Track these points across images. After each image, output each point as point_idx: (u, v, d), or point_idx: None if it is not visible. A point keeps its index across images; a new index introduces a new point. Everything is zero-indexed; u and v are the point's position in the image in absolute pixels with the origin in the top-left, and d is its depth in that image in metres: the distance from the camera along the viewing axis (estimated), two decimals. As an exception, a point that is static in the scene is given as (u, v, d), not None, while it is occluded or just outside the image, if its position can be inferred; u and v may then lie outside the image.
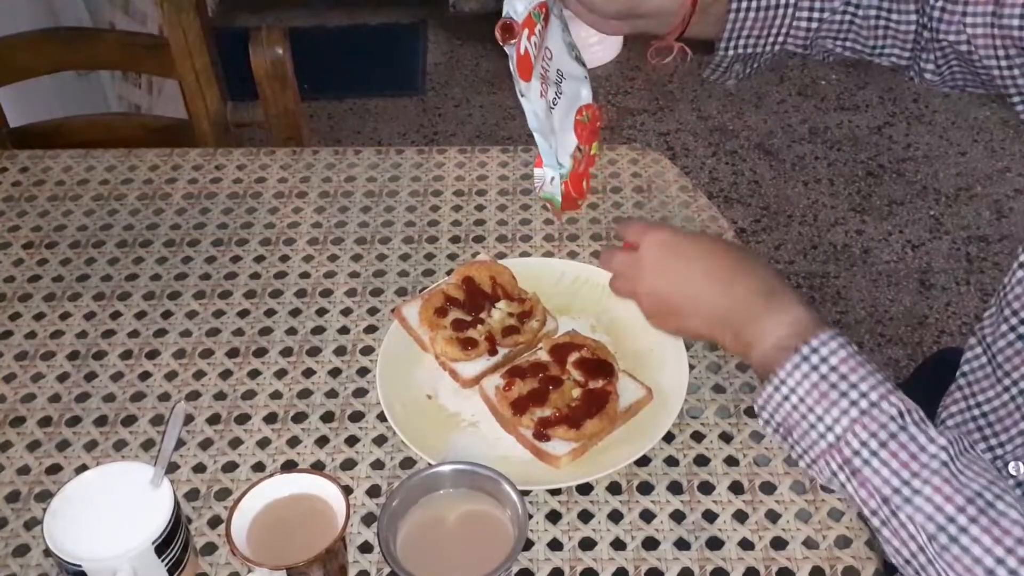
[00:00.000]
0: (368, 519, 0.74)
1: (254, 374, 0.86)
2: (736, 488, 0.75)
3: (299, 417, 0.82)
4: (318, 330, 0.90)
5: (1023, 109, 0.74)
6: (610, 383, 0.80)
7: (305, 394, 0.84)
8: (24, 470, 0.79)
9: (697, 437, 0.80)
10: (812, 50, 0.81)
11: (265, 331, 0.90)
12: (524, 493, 0.73)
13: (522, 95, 0.76)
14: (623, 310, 0.89)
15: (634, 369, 0.83)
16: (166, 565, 0.65)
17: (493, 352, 0.84)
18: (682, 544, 0.72)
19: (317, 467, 0.78)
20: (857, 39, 0.79)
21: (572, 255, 0.96)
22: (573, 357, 0.82)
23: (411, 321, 0.86)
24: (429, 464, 0.75)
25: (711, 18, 0.78)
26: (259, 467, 0.78)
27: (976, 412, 0.75)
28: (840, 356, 0.60)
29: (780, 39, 0.80)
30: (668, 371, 0.83)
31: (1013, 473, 0.72)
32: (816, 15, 0.78)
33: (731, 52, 0.80)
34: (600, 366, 0.81)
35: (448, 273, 0.94)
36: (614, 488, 0.76)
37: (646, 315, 0.73)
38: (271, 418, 0.82)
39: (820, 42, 0.80)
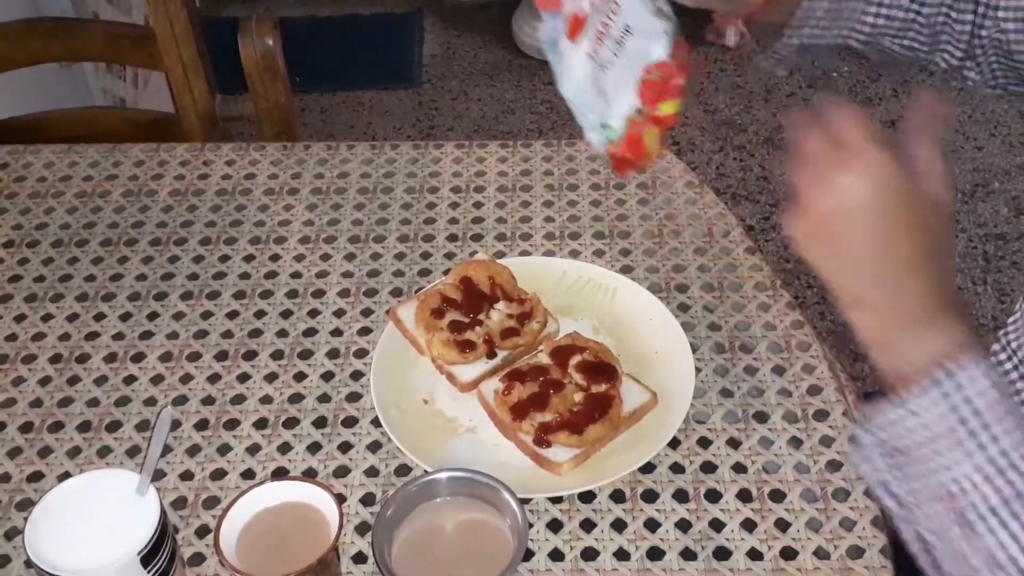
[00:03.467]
0: (362, 528, 0.73)
1: (243, 378, 0.84)
2: (744, 496, 0.73)
3: (290, 422, 0.80)
4: (310, 332, 0.88)
5: None
6: (613, 387, 0.77)
7: (296, 398, 0.82)
8: (4, 478, 0.77)
9: (703, 443, 0.78)
10: (871, 47, 0.80)
11: (255, 333, 0.88)
12: (524, 501, 0.71)
13: (554, 53, 0.74)
14: (627, 312, 0.87)
15: (638, 372, 0.81)
16: (152, 577, 0.63)
17: (492, 355, 0.81)
18: (688, 554, 0.70)
19: (309, 474, 0.76)
20: (917, 38, 0.78)
21: (574, 254, 0.94)
22: (575, 360, 0.79)
23: (407, 323, 0.84)
24: (425, 471, 0.73)
25: (785, 4, 0.77)
26: (249, 474, 0.76)
27: None
28: (979, 387, 0.53)
29: (845, 32, 0.78)
30: (674, 374, 0.80)
31: None
32: (884, 11, 0.77)
33: (795, 41, 0.78)
34: (603, 369, 0.78)
35: (445, 272, 0.92)
36: (617, 496, 0.74)
37: (807, 212, 0.57)
38: (261, 423, 0.80)
39: (880, 39, 0.79)
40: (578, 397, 0.77)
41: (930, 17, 0.77)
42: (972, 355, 0.54)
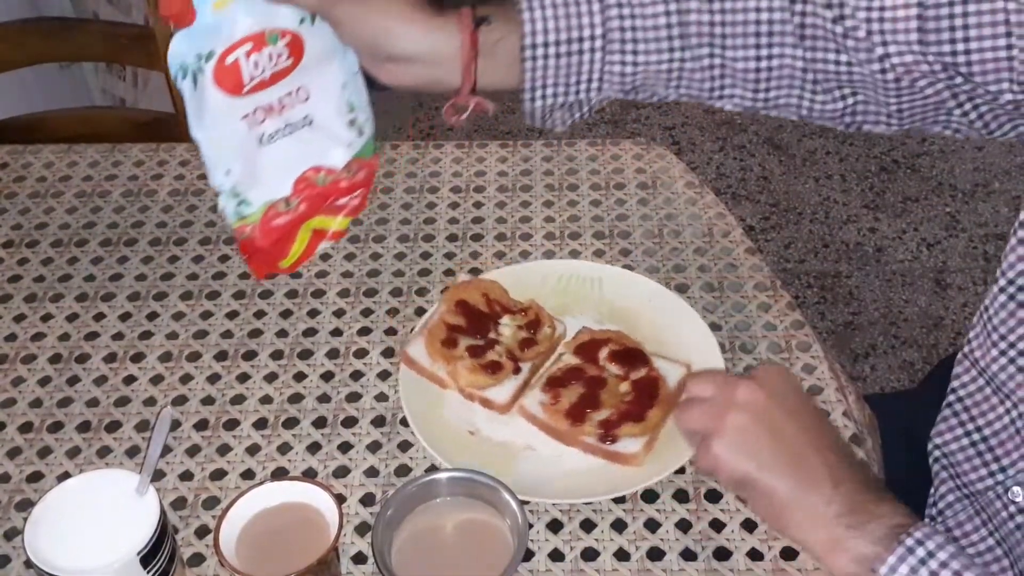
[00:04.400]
0: (362, 529, 0.72)
1: (243, 378, 0.84)
2: (744, 497, 0.73)
3: (290, 423, 0.80)
4: (310, 332, 0.88)
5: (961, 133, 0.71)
6: (651, 368, 0.78)
7: (296, 399, 0.82)
8: (4, 478, 0.76)
9: (703, 443, 0.77)
10: (642, 95, 0.72)
11: (255, 333, 0.88)
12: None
13: (186, 81, 0.69)
14: (620, 297, 0.87)
15: (661, 349, 0.81)
16: (151, 578, 0.63)
17: (517, 370, 0.80)
18: (688, 555, 0.70)
19: (309, 475, 0.76)
20: (693, 82, 0.71)
21: (574, 254, 0.94)
22: (603, 353, 0.79)
23: (422, 361, 0.80)
24: (424, 472, 0.73)
25: (502, 62, 0.68)
26: (248, 475, 0.76)
27: (976, 437, 0.73)
28: (949, 551, 0.56)
29: (595, 86, 0.70)
30: (693, 341, 0.82)
31: (1015, 499, 0.70)
32: (631, 59, 0.69)
33: (538, 103, 0.70)
34: (633, 355, 0.79)
35: (446, 273, 0.92)
36: (617, 497, 0.74)
37: (719, 438, 0.62)
38: (261, 424, 0.80)
39: (651, 88, 0.71)
40: (624, 387, 0.77)
41: (699, 60, 0.70)
42: (926, 524, 0.57)
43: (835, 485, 0.60)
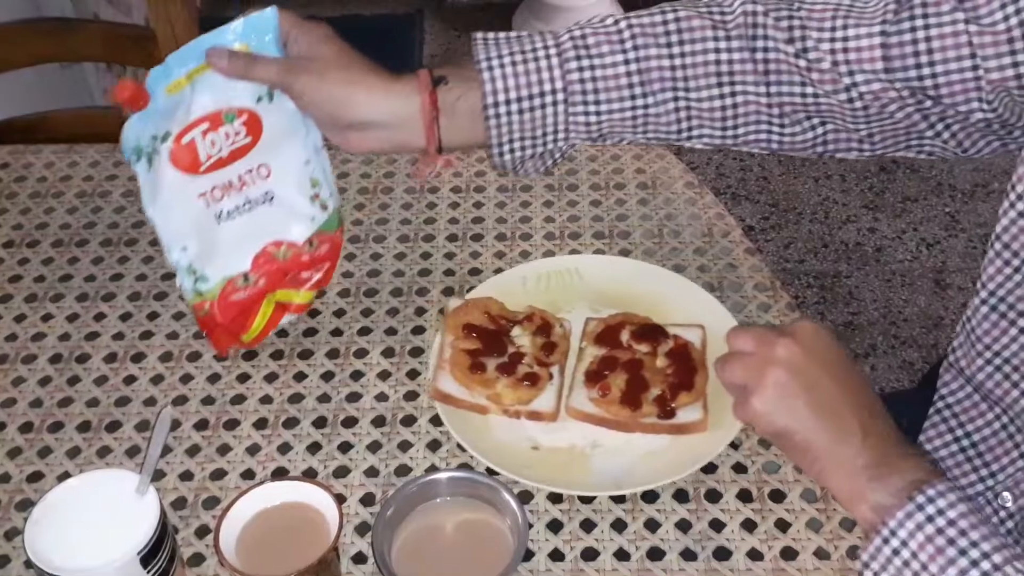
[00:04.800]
0: (362, 529, 0.72)
1: (243, 378, 0.84)
2: (744, 496, 0.73)
3: (290, 423, 0.80)
4: (310, 332, 0.87)
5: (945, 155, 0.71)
6: (674, 337, 0.79)
7: (296, 399, 0.82)
8: (4, 478, 0.76)
9: (703, 443, 0.77)
10: (610, 140, 0.73)
11: (255, 333, 0.88)
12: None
13: (141, 161, 0.72)
14: (602, 281, 0.88)
15: (668, 318, 0.82)
16: (151, 577, 0.63)
17: (550, 375, 0.79)
18: (688, 555, 0.70)
19: (309, 475, 0.76)
20: (660, 128, 0.72)
21: (574, 254, 0.94)
22: (624, 336, 0.80)
23: (457, 394, 0.78)
24: (425, 472, 0.73)
25: (464, 120, 0.69)
26: (248, 475, 0.76)
27: (965, 442, 0.73)
28: (959, 510, 0.56)
29: (562, 136, 0.71)
30: (695, 304, 0.84)
31: (1005, 504, 0.70)
32: (602, 107, 0.69)
33: (507, 156, 0.72)
34: (653, 329, 0.80)
35: (446, 274, 0.91)
36: (616, 496, 0.74)
37: (758, 394, 0.62)
38: (261, 424, 0.80)
39: (618, 134, 0.72)
40: (660, 362, 0.78)
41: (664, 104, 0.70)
42: (939, 480, 0.58)
43: (864, 438, 0.61)
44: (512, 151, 0.71)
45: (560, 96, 0.70)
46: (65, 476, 0.75)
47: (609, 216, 0.98)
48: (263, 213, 0.77)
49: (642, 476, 0.73)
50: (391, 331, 0.87)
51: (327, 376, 0.84)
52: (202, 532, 0.72)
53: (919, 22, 0.64)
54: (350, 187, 1.03)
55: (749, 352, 0.64)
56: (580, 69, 0.69)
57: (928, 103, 0.67)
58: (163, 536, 0.63)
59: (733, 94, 0.70)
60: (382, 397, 0.82)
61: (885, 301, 1.92)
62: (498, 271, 0.91)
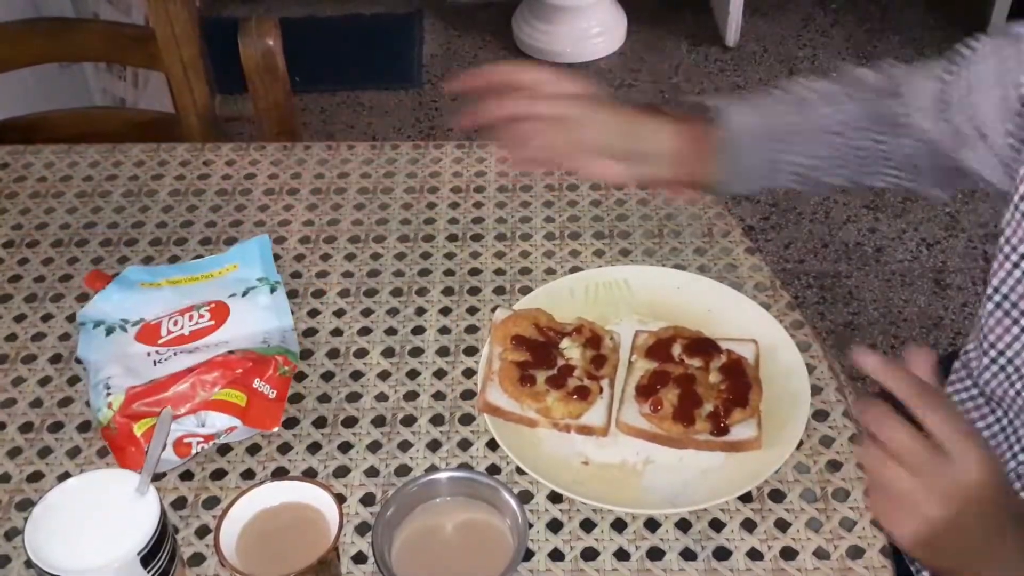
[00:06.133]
0: (362, 528, 0.72)
1: (244, 377, 0.84)
2: (744, 496, 0.73)
3: (290, 423, 0.80)
4: (310, 332, 0.87)
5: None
6: (727, 352, 0.78)
7: (296, 399, 0.82)
8: (4, 478, 0.76)
9: (703, 443, 0.77)
10: (807, 183, 0.82)
11: (255, 332, 0.88)
12: (525, 500, 0.72)
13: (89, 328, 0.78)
14: (651, 292, 0.87)
15: (719, 332, 0.81)
16: (151, 577, 0.63)
17: (600, 389, 0.78)
18: (688, 554, 0.70)
19: (309, 474, 0.76)
20: (846, 167, 0.80)
21: (574, 254, 0.94)
22: (676, 351, 0.79)
23: (507, 407, 0.77)
24: (425, 472, 0.73)
25: (704, 174, 0.80)
26: (249, 474, 0.76)
27: None
28: None
29: (781, 179, 0.81)
30: (746, 318, 0.83)
31: None
32: (804, 159, 0.79)
33: (732, 191, 0.84)
34: (704, 344, 0.79)
35: (446, 274, 0.91)
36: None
37: (927, 523, 0.55)
38: (261, 423, 0.80)
39: (816, 176, 0.81)
40: (714, 377, 0.77)
41: (856, 144, 0.79)
42: None
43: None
44: (733, 190, 0.84)
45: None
46: (65, 476, 0.75)
47: (609, 216, 0.98)
48: (204, 354, 0.78)
49: (699, 494, 0.72)
50: (391, 331, 0.87)
51: (327, 376, 0.84)
52: (202, 532, 0.72)
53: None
54: (349, 187, 1.03)
55: (905, 474, 0.55)
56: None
57: None
58: (163, 536, 0.63)
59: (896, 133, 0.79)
60: (382, 397, 0.82)
61: (885, 301, 1.92)
62: (498, 271, 0.92)
